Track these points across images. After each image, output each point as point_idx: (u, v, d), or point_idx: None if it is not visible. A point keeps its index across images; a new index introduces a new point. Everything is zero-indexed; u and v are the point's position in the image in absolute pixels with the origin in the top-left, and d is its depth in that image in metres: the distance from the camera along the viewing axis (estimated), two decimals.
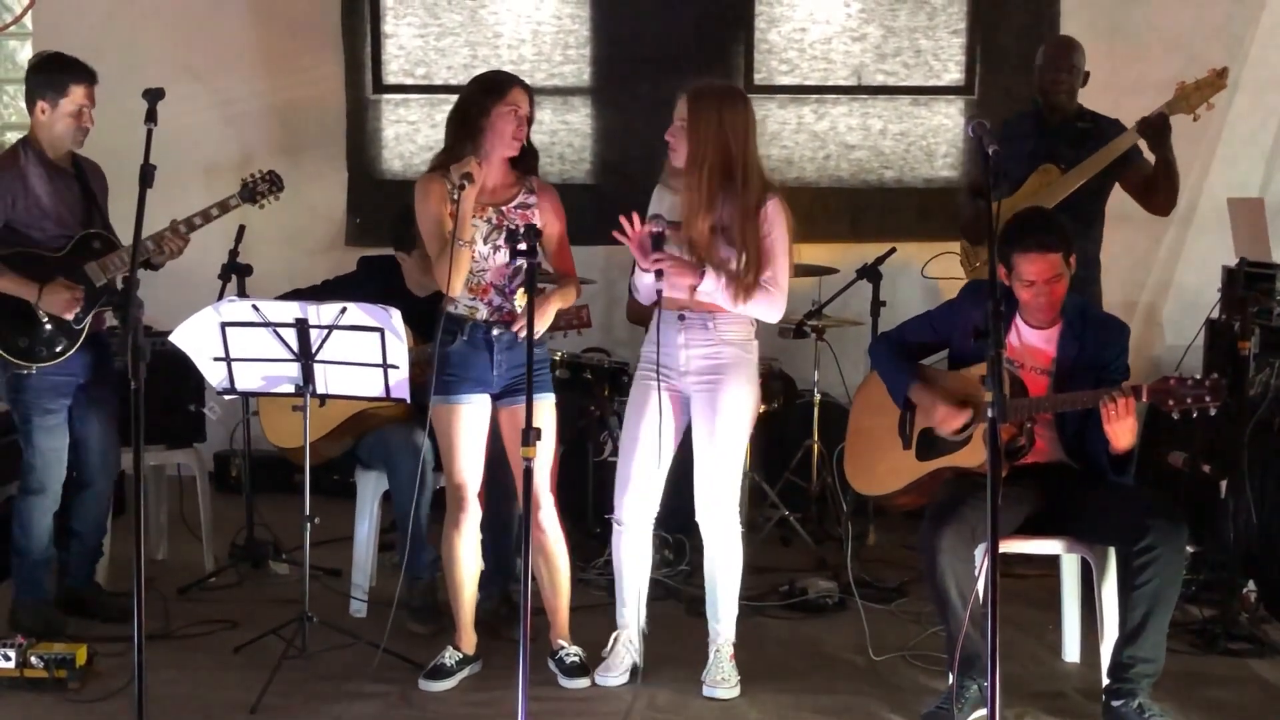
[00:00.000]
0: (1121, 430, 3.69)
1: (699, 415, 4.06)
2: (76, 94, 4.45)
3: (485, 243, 4.02)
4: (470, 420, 4.08)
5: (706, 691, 4.07)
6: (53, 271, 4.40)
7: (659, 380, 4.02)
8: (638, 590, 4.20)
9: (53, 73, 4.48)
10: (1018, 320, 4.05)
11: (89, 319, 4.44)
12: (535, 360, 4.04)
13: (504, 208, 4.06)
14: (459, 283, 3.97)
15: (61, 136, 4.49)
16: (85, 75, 4.48)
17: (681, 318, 4.02)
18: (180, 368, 4.43)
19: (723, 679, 4.07)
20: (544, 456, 4.10)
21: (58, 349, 4.41)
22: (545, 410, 4.07)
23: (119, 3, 6.81)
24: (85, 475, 4.66)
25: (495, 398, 4.13)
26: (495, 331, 4.04)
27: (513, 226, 3.98)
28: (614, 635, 4.21)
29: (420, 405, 4.42)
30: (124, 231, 4.47)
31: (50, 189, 4.47)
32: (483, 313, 4.06)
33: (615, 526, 4.18)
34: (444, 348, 4.05)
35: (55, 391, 4.46)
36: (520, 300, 4.04)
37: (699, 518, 4.12)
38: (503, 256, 4.02)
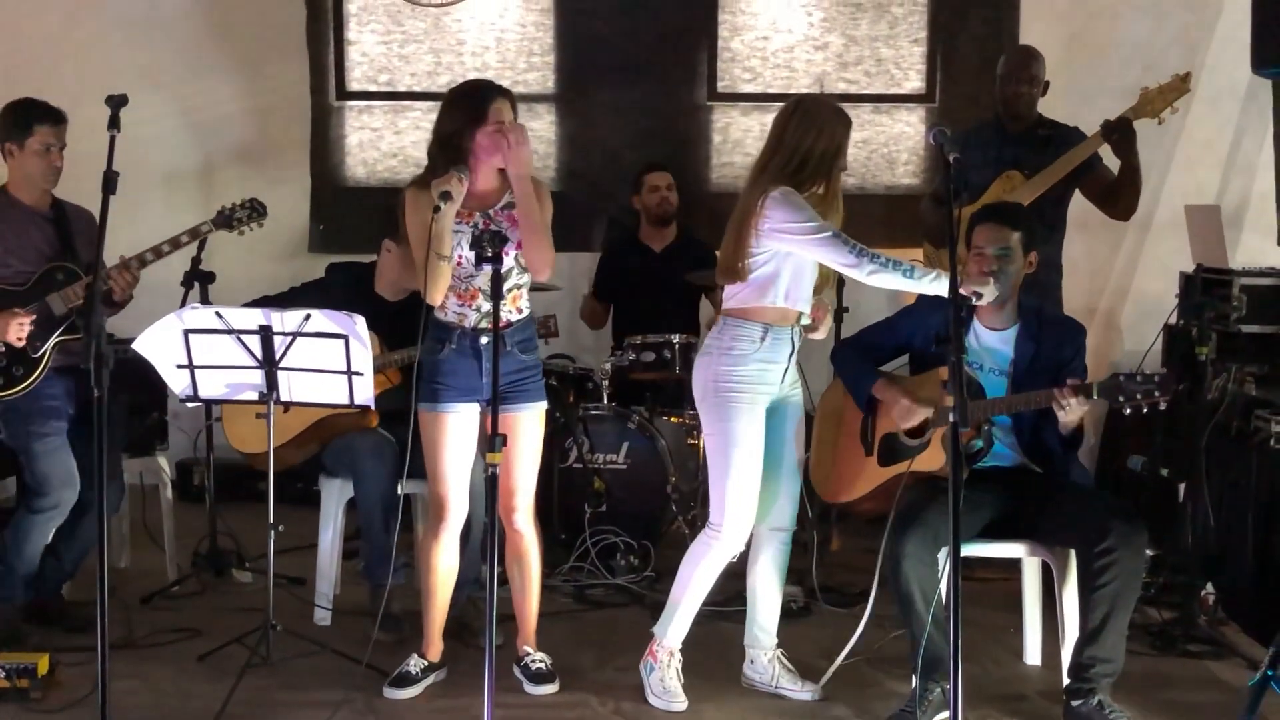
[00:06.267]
0: (1073, 419, 3.77)
1: (791, 425, 4.09)
2: (41, 132, 4.48)
3: (472, 249, 3.98)
4: (456, 429, 4.03)
5: (798, 697, 4.10)
6: (11, 303, 4.40)
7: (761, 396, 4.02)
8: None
9: (15, 115, 4.51)
10: (975, 323, 4.09)
11: (49, 347, 4.43)
12: (527, 367, 4.07)
13: (491, 211, 4.02)
14: (439, 294, 3.96)
15: (31, 177, 4.51)
16: (48, 115, 4.51)
17: (805, 328, 4.06)
18: (143, 375, 4.40)
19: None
20: (531, 463, 4.11)
21: (17, 376, 4.40)
22: (536, 418, 4.09)
23: (78, 8, 6.76)
24: (81, 500, 4.58)
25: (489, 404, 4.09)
26: (484, 340, 4.01)
27: (476, 232, 3.92)
28: (671, 659, 4.11)
29: (387, 412, 4.41)
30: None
31: (16, 230, 4.49)
32: (471, 320, 4.02)
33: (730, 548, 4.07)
34: (432, 355, 4.03)
35: (44, 415, 4.46)
36: (511, 304, 4.02)
37: (773, 530, 4.13)
38: None
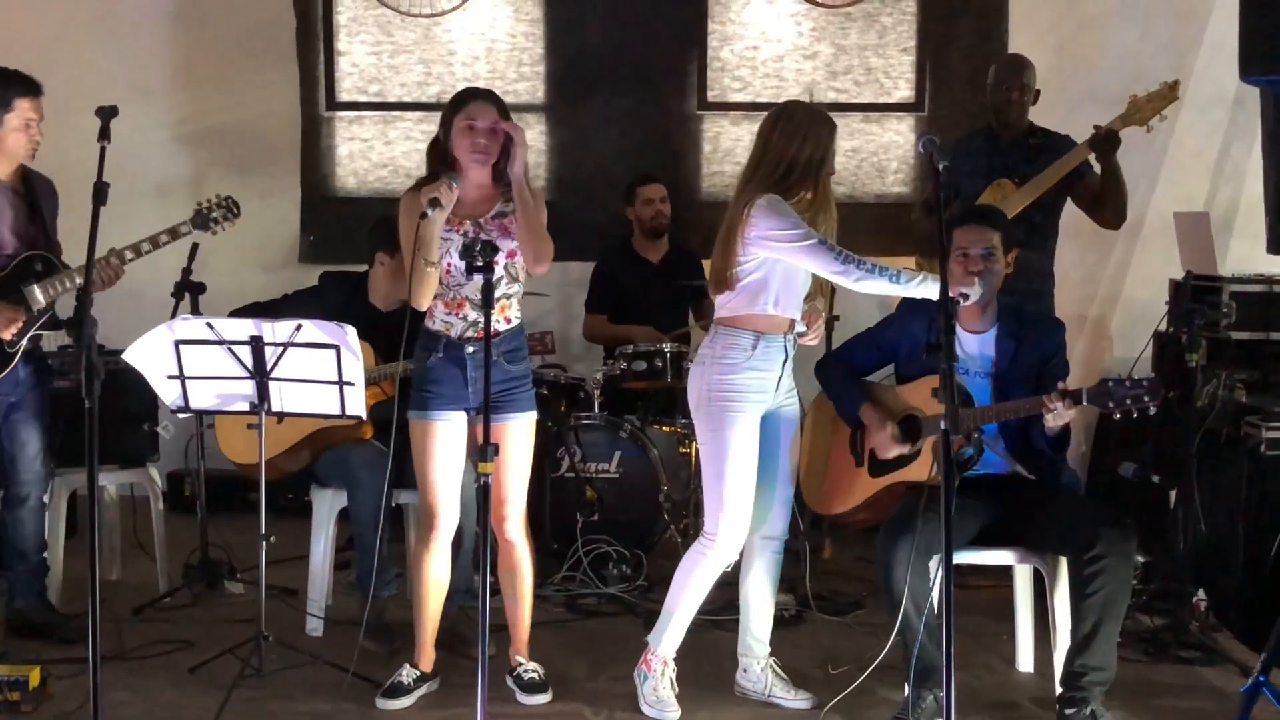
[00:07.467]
0: (1060, 423, 3.79)
1: (785, 434, 4.07)
2: (22, 107, 4.41)
3: (462, 257, 3.97)
4: (445, 438, 4.02)
5: (791, 705, 4.10)
6: None
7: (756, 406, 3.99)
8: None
9: None
10: (956, 327, 4.09)
11: (23, 342, 4.41)
12: (514, 378, 4.05)
13: (481, 219, 4.01)
14: (424, 299, 3.96)
15: (11, 151, 4.45)
16: (29, 87, 4.43)
17: (798, 334, 4.03)
18: (133, 386, 4.40)
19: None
20: (521, 473, 4.10)
21: None
22: (525, 427, 4.08)
23: (69, 20, 6.76)
24: (19, 490, 4.61)
25: (477, 413, 4.09)
26: (469, 349, 4.01)
27: (467, 240, 3.93)
28: (665, 669, 4.09)
29: (381, 422, 4.40)
30: (72, 249, 4.46)
31: None
32: (457, 329, 4.02)
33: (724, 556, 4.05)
34: (420, 363, 4.03)
35: None
36: (499, 314, 4.00)
37: (765, 539, 4.11)
38: None
